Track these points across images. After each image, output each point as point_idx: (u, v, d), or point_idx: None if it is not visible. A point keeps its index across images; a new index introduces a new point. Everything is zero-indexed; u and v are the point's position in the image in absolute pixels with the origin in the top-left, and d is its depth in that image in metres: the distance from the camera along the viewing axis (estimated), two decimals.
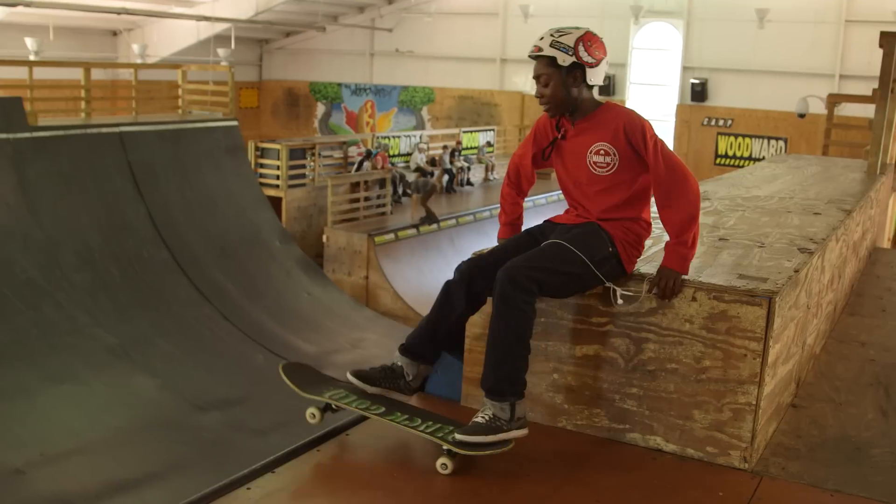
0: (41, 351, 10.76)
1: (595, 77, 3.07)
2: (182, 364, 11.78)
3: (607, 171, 3.09)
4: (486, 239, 16.01)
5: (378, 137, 21.91)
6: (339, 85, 30.38)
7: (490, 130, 25.37)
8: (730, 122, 24.60)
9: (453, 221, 18.94)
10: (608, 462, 3.05)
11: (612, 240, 3.10)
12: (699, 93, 24.65)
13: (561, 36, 3.04)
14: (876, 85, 8.55)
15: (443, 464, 2.84)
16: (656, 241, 3.54)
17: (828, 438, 3.35)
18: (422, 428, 2.95)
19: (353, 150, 20.74)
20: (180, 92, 17.27)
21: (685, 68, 24.90)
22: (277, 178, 18.09)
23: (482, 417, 2.90)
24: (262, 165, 18.30)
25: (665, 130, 24.54)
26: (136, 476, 9.34)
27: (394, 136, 22.78)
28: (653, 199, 3.14)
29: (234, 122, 16.51)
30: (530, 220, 3.39)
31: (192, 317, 12.96)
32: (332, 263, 17.04)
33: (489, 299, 3.08)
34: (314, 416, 3.10)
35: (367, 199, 18.57)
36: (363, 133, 27.82)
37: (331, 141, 22.87)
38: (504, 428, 2.88)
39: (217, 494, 2.70)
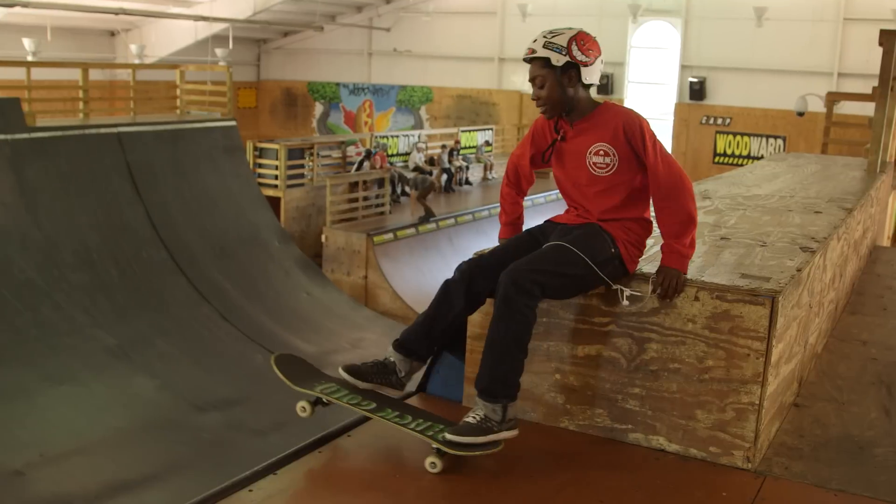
0: (40, 351, 10.75)
1: (590, 76, 3.06)
2: (181, 364, 11.77)
3: (607, 172, 3.07)
4: (485, 238, 16.01)
5: (376, 137, 21.91)
6: (338, 85, 30.37)
7: (488, 130, 25.37)
8: (728, 120, 24.61)
9: (452, 221, 18.94)
10: (611, 462, 3.04)
11: (613, 240, 3.09)
12: (697, 91, 24.66)
13: (554, 37, 3.04)
14: (875, 83, 8.55)
15: (432, 462, 2.83)
16: (657, 240, 3.53)
17: (831, 438, 3.34)
18: (412, 426, 2.93)
19: (351, 150, 20.73)
20: (178, 92, 17.25)
21: (683, 67, 24.91)
22: (276, 178, 18.08)
23: (473, 417, 2.89)
24: (260, 165, 18.29)
25: (663, 129, 24.55)
26: (135, 476, 9.32)
27: (392, 136, 22.79)
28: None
29: (233, 123, 16.50)
30: (530, 219, 3.38)
31: (191, 317, 12.95)
32: (330, 263, 17.04)
33: (488, 299, 3.07)
34: (305, 409, 3.09)
35: (365, 198, 18.56)
36: (362, 133, 27.80)
37: (329, 141, 22.86)
38: (494, 429, 2.87)
39: (218, 496, 2.68)
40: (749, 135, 24.40)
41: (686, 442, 3.07)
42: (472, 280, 3.07)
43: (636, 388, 3.14)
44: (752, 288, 3.01)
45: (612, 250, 3.08)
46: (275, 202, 17.35)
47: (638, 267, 3.19)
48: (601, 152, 3.06)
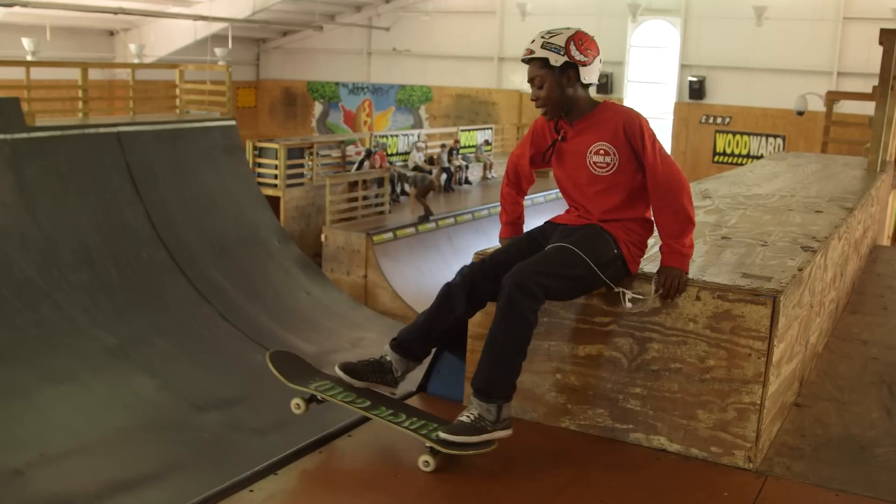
0: (40, 351, 10.75)
1: (589, 75, 3.06)
2: (181, 364, 11.77)
3: (607, 171, 3.07)
4: (485, 238, 16.01)
5: (376, 136, 21.89)
6: (337, 84, 30.36)
7: (488, 129, 25.36)
8: (728, 119, 24.60)
9: (451, 220, 18.93)
10: (612, 462, 3.04)
11: (615, 241, 3.08)
12: (697, 90, 24.65)
13: (552, 37, 3.03)
14: (875, 82, 8.55)
15: (425, 461, 2.83)
16: (658, 240, 3.52)
17: (832, 438, 3.34)
18: (406, 424, 2.93)
19: (351, 150, 20.71)
20: (178, 92, 17.24)
21: (683, 66, 24.90)
22: (275, 177, 18.07)
23: (467, 417, 2.88)
24: (260, 165, 18.28)
25: (663, 128, 24.55)
26: (135, 476, 9.32)
27: (392, 135, 22.77)
28: None
29: (232, 122, 16.49)
30: (530, 219, 3.37)
31: (191, 317, 12.95)
32: (330, 263, 17.03)
33: (489, 302, 3.07)
34: (299, 406, 3.08)
35: (365, 198, 18.55)
36: (361, 132, 27.80)
37: (329, 140, 22.86)
38: (488, 429, 2.87)
39: (219, 497, 2.68)
40: (749, 134, 24.40)
41: (687, 442, 3.07)
42: (474, 283, 3.07)
43: (637, 388, 3.13)
44: (753, 288, 3.00)
45: (615, 251, 3.08)
46: (274, 202, 17.34)
47: (640, 267, 3.19)
48: (601, 152, 3.06)
